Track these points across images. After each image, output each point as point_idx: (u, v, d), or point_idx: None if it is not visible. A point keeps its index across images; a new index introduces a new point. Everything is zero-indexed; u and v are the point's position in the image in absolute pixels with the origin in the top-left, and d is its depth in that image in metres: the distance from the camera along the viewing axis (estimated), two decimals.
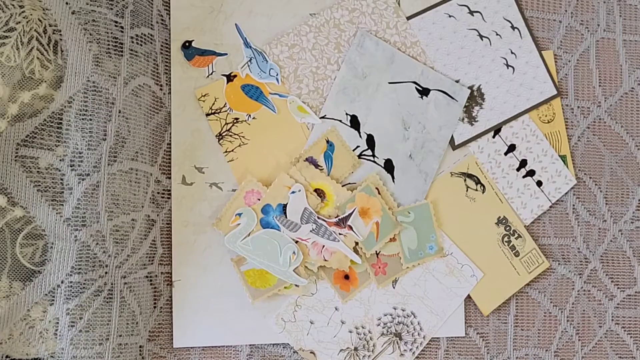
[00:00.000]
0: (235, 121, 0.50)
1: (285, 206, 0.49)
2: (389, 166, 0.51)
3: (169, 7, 0.50)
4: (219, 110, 0.50)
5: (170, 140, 0.50)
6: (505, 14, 0.53)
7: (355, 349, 0.51)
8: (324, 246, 0.49)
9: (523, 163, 0.53)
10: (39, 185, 0.41)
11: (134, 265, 0.46)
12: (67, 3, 0.42)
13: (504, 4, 0.53)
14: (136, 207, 0.46)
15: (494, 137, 0.53)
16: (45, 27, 0.41)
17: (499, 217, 0.52)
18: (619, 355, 0.55)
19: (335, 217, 0.49)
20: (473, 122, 0.52)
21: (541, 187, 0.53)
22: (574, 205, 0.54)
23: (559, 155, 0.54)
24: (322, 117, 0.51)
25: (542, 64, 0.54)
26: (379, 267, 0.51)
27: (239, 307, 0.50)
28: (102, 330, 0.44)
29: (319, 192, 0.50)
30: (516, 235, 0.52)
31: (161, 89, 0.49)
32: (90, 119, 0.42)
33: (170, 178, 0.50)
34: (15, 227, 0.41)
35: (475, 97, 0.52)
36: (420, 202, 0.51)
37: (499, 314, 0.53)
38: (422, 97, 0.51)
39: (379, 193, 0.50)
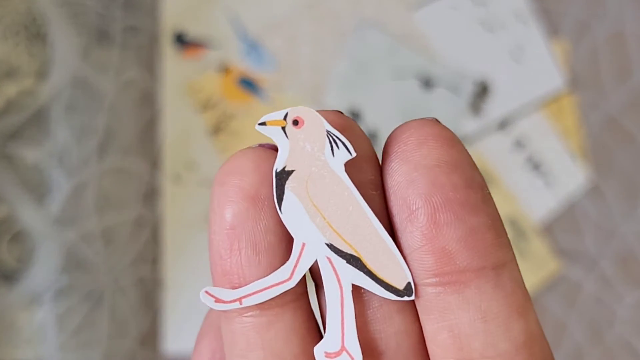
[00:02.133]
0: (230, 116, 0.50)
1: None
2: None
3: None
4: (213, 104, 0.50)
5: (162, 136, 0.49)
6: (512, 6, 0.52)
7: None
8: None
9: (531, 160, 0.52)
10: (26, 183, 0.41)
11: (125, 266, 0.46)
12: None
13: None
14: (127, 205, 0.46)
15: (500, 132, 0.52)
16: (33, 19, 0.41)
17: (507, 216, 0.52)
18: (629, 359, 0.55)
19: None
20: (478, 117, 0.52)
21: (549, 185, 0.53)
22: (583, 204, 0.54)
23: (569, 152, 0.53)
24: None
25: (551, 57, 0.53)
26: None
27: None
28: (91, 333, 0.43)
29: None
30: (524, 235, 0.52)
31: (153, 82, 0.48)
32: (79, 114, 0.42)
33: (162, 175, 0.50)
34: (1, 227, 0.41)
35: (480, 91, 0.52)
36: None
37: None
38: (425, 91, 0.51)
39: None
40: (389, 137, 0.14)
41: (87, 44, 0.43)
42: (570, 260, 0.54)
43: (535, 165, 0.53)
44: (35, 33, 0.41)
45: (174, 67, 0.49)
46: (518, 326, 0.13)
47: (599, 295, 0.54)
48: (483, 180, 0.13)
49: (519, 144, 0.53)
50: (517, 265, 0.14)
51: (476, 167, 0.13)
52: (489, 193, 0.13)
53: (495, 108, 0.52)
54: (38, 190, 0.41)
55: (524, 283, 0.14)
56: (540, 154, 0.53)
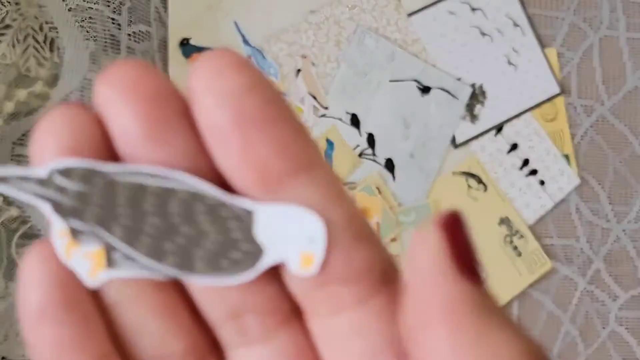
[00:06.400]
0: None
1: None
2: (389, 165, 0.51)
3: (167, 4, 0.50)
4: None
5: None
6: (507, 11, 0.53)
7: None
8: None
9: (525, 162, 0.53)
10: None
11: None
12: (63, 0, 0.42)
13: (507, 1, 0.53)
14: None
15: (496, 135, 0.53)
16: (42, 25, 0.41)
17: (501, 216, 0.52)
18: (622, 356, 0.55)
19: None
20: (475, 121, 0.52)
21: (544, 187, 0.53)
22: (577, 204, 0.54)
23: (562, 154, 0.53)
24: (322, 116, 0.50)
25: (545, 61, 0.53)
26: None
27: None
28: None
29: None
30: (518, 235, 0.52)
31: None
32: None
33: None
34: (11, 226, 0.41)
35: (477, 95, 0.52)
36: (422, 203, 0.51)
37: None
38: (423, 95, 0.51)
39: (380, 193, 0.50)
40: (189, 77, 0.14)
41: (95, 49, 0.42)
42: (564, 259, 0.54)
43: (530, 167, 0.53)
44: (44, 38, 0.41)
45: (179, 72, 0.50)
46: (338, 210, 0.14)
47: (593, 293, 0.54)
48: (282, 96, 0.14)
49: (513, 147, 0.53)
50: (327, 164, 0.15)
51: (274, 86, 0.14)
52: (290, 107, 0.14)
53: (491, 112, 0.52)
54: None
55: (338, 177, 0.15)
56: (534, 156, 0.53)
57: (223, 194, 0.14)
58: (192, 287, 0.15)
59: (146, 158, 0.14)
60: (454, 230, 0.15)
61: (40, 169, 0.14)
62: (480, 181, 0.52)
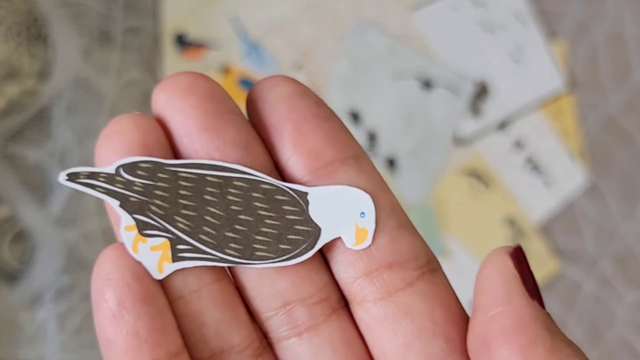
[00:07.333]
0: None
1: None
2: (391, 163, 0.50)
3: None
4: None
5: None
6: (511, 7, 0.52)
7: None
8: None
9: (530, 160, 0.52)
10: (28, 183, 0.41)
11: None
12: None
13: None
14: None
15: (499, 132, 0.52)
16: (35, 20, 0.41)
17: (506, 216, 0.52)
18: (629, 359, 0.55)
19: None
20: (478, 117, 0.52)
21: (549, 185, 0.53)
22: (582, 204, 0.54)
23: (568, 152, 0.53)
24: None
25: (550, 57, 0.53)
26: None
27: None
28: (93, 333, 0.44)
29: None
30: (523, 235, 0.52)
31: (154, 83, 0.49)
32: (81, 114, 0.42)
33: None
34: (2, 227, 0.41)
35: (480, 92, 0.52)
36: (424, 203, 0.50)
37: None
38: (425, 92, 0.51)
39: None
40: (247, 98, 0.16)
41: (88, 44, 0.43)
42: (569, 260, 0.54)
43: (535, 166, 0.53)
44: (36, 34, 0.41)
45: (174, 68, 0.49)
46: (383, 197, 0.16)
47: (599, 294, 0.54)
48: (322, 101, 0.16)
49: (518, 145, 0.53)
50: (368, 156, 0.16)
51: (317, 95, 0.16)
52: (329, 108, 0.16)
53: (494, 109, 0.52)
54: (39, 190, 0.41)
55: (376, 168, 0.16)
56: (539, 154, 0.53)
57: (277, 181, 0.15)
58: (244, 278, 0.15)
59: (202, 149, 0.15)
60: (521, 259, 0.17)
61: (107, 166, 0.15)
62: (483, 180, 0.52)
